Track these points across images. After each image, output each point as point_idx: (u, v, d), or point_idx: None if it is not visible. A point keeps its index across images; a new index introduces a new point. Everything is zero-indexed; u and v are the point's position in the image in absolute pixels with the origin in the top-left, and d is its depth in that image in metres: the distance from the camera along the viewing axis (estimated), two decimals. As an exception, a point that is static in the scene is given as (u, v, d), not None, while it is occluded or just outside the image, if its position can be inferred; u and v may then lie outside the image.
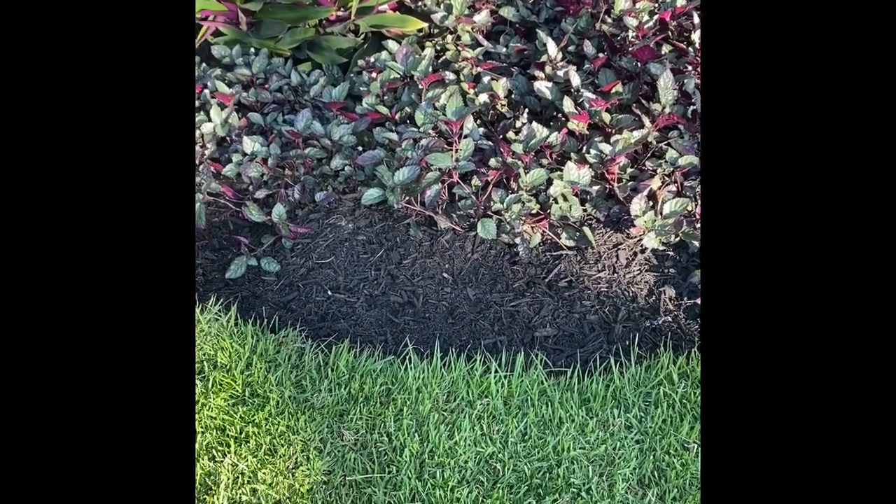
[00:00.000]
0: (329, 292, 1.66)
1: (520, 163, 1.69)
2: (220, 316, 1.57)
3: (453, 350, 1.53)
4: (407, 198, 1.73)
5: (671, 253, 1.68)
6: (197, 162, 1.85)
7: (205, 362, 1.47)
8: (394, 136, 1.76)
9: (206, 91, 1.92)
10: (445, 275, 1.69)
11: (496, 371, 1.46)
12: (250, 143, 1.77)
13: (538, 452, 1.34)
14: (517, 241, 1.67)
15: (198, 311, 1.57)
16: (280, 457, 1.32)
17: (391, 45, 2.03)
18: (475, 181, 1.74)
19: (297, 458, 1.32)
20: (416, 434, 1.35)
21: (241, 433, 1.36)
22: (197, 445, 1.33)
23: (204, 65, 2.06)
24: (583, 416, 1.39)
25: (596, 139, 1.76)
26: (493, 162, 1.71)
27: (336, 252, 1.73)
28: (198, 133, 1.87)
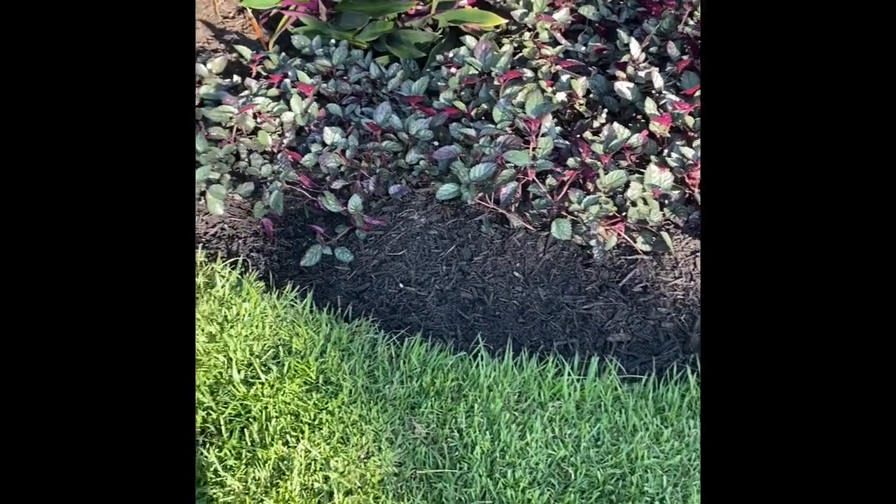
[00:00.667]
0: (401, 285, 1.67)
1: (599, 163, 1.67)
2: (295, 303, 1.59)
3: (525, 350, 1.52)
4: (480, 194, 1.73)
5: (752, 263, 1.64)
6: (276, 150, 1.88)
7: (280, 347, 1.50)
8: (471, 133, 1.75)
9: (287, 80, 1.95)
10: (517, 273, 1.68)
11: (569, 374, 1.45)
12: (331, 134, 1.78)
13: (611, 459, 1.32)
14: (592, 243, 1.65)
15: (274, 296, 1.60)
16: (352, 446, 1.33)
17: (469, 40, 2.02)
18: (549, 180, 1.72)
19: (368, 448, 1.33)
20: (487, 432, 1.35)
21: (314, 420, 1.37)
22: (271, 429, 1.36)
23: (283, 54, 2.09)
24: (657, 425, 1.37)
25: (678, 143, 1.72)
26: (571, 161, 1.69)
27: (408, 245, 1.73)
28: (276, 122, 1.90)
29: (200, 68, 1.96)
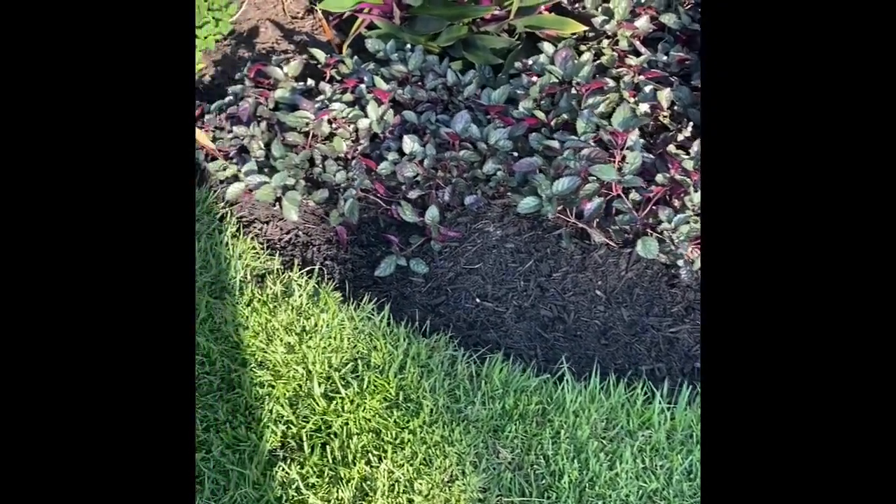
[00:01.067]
0: (477, 300, 1.63)
1: (689, 180, 1.60)
2: (372, 315, 1.56)
3: (612, 374, 1.47)
4: (560, 207, 1.68)
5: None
6: (349, 157, 1.85)
7: (358, 361, 1.47)
8: (555, 144, 1.70)
9: (363, 86, 1.92)
10: (598, 292, 1.63)
11: (659, 402, 1.39)
12: (410, 143, 1.75)
13: (706, 495, 1.26)
14: (679, 262, 1.59)
15: (351, 308, 1.57)
16: (436, 468, 1.30)
17: (546, 47, 1.97)
18: (633, 195, 1.66)
19: (452, 472, 1.30)
20: (574, 460, 1.31)
21: (396, 439, 1.34)
22: (352, 447, 1.33)
23: (356, 57, 2.06)
24: (753, 461, 1.30)
25: (770, 161, 1.64)
26: (660, 178, 1.63)
27: (484, 258, 1.69)
28: (351, 128, 1.87)
29: (276, 71, 1.94)
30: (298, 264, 1.68)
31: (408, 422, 1.37)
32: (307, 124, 1.83)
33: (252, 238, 1.73)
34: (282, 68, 1.94)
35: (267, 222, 1.80)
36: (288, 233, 1.78)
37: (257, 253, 1.70)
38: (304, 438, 1.34)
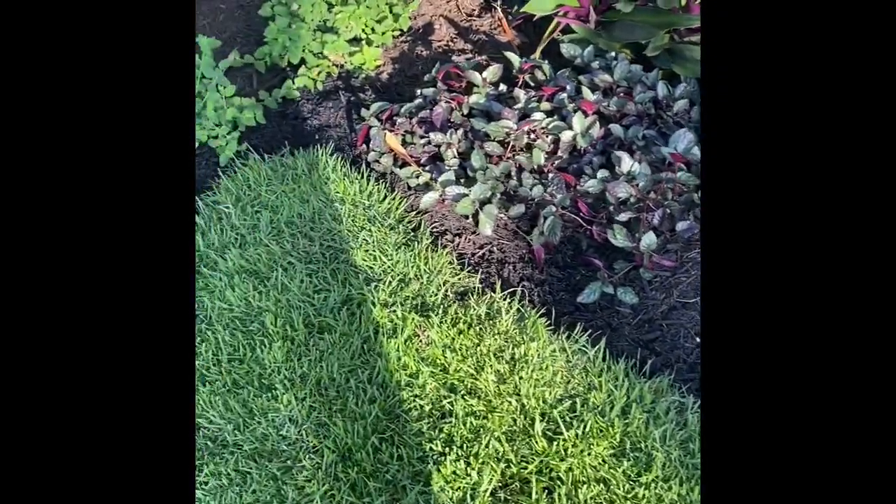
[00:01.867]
0: (697, 339, 1.49)
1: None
2: (586, 348, 1.45)
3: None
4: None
5: None
6: (546, 170, 1.74)
7: (577, 399, 1.36)
8: (793, 173, 1.54)
9: (564, 95, 1.80)
10: (835, 341, 1.46)
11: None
12: (628, 162, 1.62)
13: None
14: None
15: (562, 338, 1.46)
16: (678, 532, 1.18)
17: (762, 61, 1.80)
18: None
19: (697, 538, 1.17)
20: (838, 540, 1.15)
21: (629, 493, 1.22)
22: (581, 497, 1.22)
23: (547, 62, 1.94)
24: None
25: None
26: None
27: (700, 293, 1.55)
28: (550, 138, 1.76)
29: (474, 76, 1.84)
30: (499, 284, 1.58)
31: (639, 475, 1.25)
32: (508, 134, 1.73)
33: (448, 252, 1.64)
34: (480, 72, 1.84)
35: (459, 234, 1.71)
36: (481, 248, 1.69)
37: (455, 269, 1.61)
38: (534, 483, 1.24)
